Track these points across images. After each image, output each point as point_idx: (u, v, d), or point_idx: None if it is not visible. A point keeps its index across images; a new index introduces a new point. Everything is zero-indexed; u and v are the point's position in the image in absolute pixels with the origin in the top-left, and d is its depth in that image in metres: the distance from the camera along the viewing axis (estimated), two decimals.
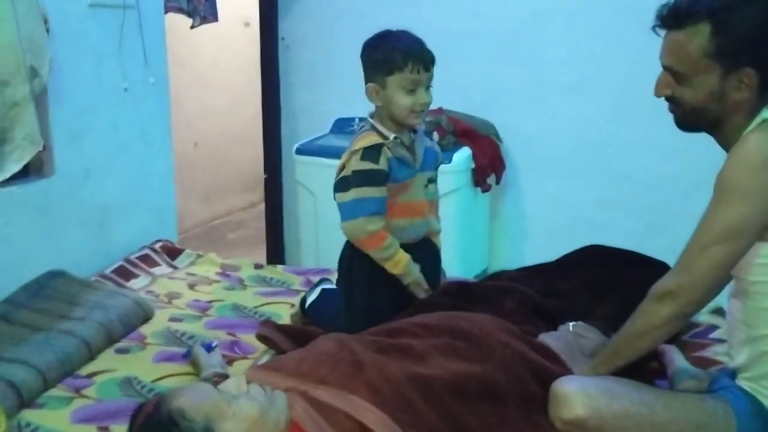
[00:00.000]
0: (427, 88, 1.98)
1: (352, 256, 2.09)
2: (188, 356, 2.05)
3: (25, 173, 2.52)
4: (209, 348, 2.00)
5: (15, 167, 2.42)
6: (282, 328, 2.13)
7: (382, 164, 1.97)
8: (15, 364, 1.92)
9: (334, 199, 2.05)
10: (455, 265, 3.12)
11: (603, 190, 3.44)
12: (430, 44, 2.00)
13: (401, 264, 2.03)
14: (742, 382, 1.59)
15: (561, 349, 1.72)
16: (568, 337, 1.78)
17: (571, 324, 1.85)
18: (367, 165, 1.96)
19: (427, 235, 2.18)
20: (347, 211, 1.99)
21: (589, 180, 3.45)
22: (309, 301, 2.29)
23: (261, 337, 2.15)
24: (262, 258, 4.08)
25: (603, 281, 2.17)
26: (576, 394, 1.48)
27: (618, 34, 3.24)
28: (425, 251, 2.20)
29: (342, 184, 2.00)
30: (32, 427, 1.77)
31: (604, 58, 3.30)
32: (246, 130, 5.26)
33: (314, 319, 2.25)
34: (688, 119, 1.54)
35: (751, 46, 1.40)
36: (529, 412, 1.54)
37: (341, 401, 1.34)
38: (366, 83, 2.00)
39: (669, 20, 1.48)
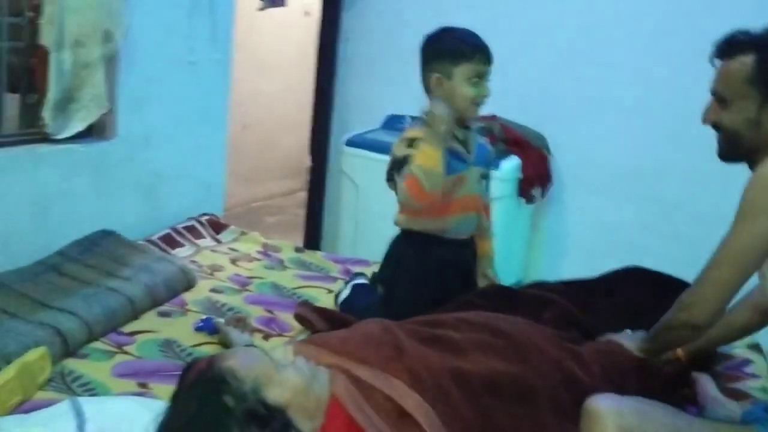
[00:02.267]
0: (487, 81, 2.04)
1: (401, 249, 2.13)
2: (209, 329, 2.11)
3: (88, 133, 2.60)
4: (212, 326, 2.09)
5: (79, 126, 2.52)
6: (319, 310, 2.17)
7: None
8: (64, 314, 1.99)
9: (388, 184, 2.09)
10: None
11: (649, 215, 3.41)
12: (491, 50, 2.03)
13: (432, 157, 1.92)
14: None
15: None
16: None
17: (626, 331, 1.93)
18: (410, 151, 1.97)
19: (475, 234, 2.21)
20: (399, 192, 2.00)
21: (636, 204, 3.44)
22: (342, 297, 2.34)
23: (298, 317, 2.19)
24: (298, 244, 4.12)
25: (643, 303, 2.17)
26: (609, 413, 1.49)
27: (681, 61, 3.22)
28: (471, 250, 2.24)
29: (391, 167, 2.03)
30: (75, 375, 1.83)
31: (664, 83, 3.29)
32: (294, 118, 5.33)
33: (347, 312, 2.28)
34: (728, 147, 1.63)
35: None
36: (560, 420, 1.56)
37: (382, 382, 1.37)
38: (426, 74, 2.03)
39: (722, 50, 1.60)
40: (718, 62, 1.61)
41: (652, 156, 3.36)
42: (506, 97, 3.57)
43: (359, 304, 2.26)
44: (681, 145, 3.26)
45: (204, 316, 2.20)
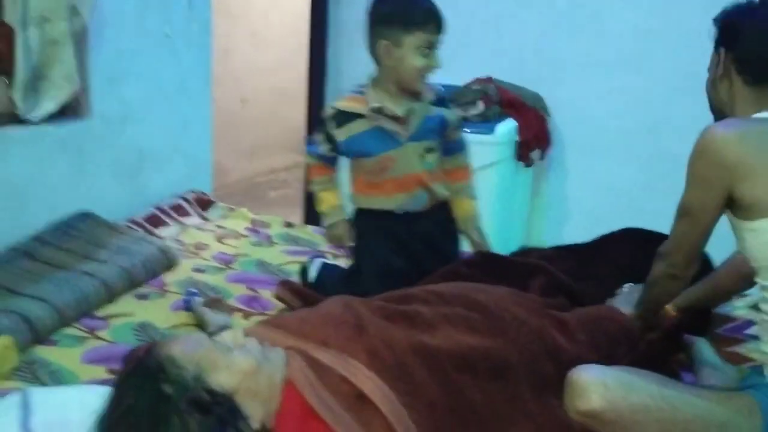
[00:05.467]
0: (437, 50, 1.93)
1: (359, 225, 2.09)
2: (187, 304, 2.05)
3: (61, 113, 2.52)
4: (190, 299, 2.04)
5: (51, 106, 2.44)
6: (299, 292, 2.09)
7: (340, 135, 1.99)
8: (33, 300, 1.93)
9: None
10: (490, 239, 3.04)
11: (652, 174, 3.29)
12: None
13: (321, 206, 2.13)
14: None
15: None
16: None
17: (626, 286, 1.93)
18: (330, 123, 2.01)
19: (439, 201, 2.12)
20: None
21: (639, 163, 3.32)
22: (312, 276, 2.23)
23: (278, 297, 2.12)
24: (299, 218, 4.05)
25: (637, 265, 2.07)
26: (593, 384, 1.42)
27: (680, 11, 3.07)
28: (436, 219, 2.13)
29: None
30: (43, 363, 1.78)
31: (664, 35, 3.14)
32: (294, 89, 5.20)
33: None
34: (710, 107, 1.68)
35: (731, 29, 1.55)
36: (541, 393, 1.48)
37: (340, 364, 1.29)
38: (374, 40, 1.91)
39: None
40: None
41: (652, 113, 3.24)
42: (501, 58, 3.45)
43: (330, 282, 2.17)
44: (682, 101, 3.12)
45: (194, 290, 2.16)
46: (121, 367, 1.26)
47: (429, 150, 2.05)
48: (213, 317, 1.91)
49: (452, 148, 2.14)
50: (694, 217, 1.53)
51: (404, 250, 2.03)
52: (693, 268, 1.61)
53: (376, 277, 1.95)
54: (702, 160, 1.48)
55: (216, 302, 2.04)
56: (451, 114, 2.12)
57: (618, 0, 3.24)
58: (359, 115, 1.96)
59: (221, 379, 1.19)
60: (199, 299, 2.06)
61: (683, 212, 1.56)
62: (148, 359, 1.18)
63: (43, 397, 1.36)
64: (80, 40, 2.48)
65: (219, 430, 1.14)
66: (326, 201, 2.12)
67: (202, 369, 1.18)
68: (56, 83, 2.42)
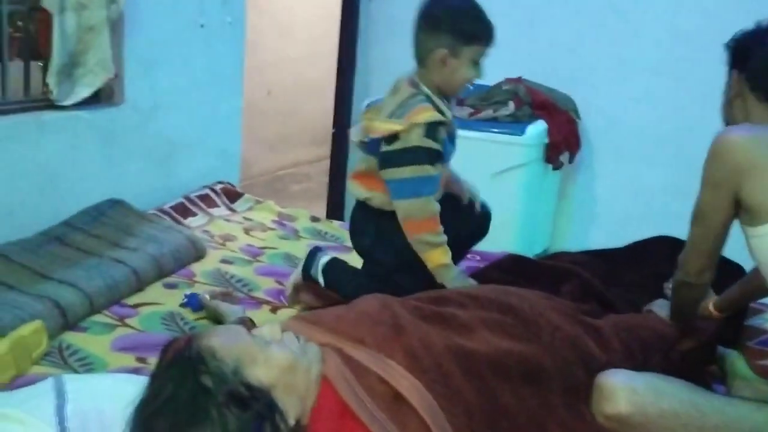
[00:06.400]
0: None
1: (386, 227, 1.96)
2: (192, 305, 2.01)
3: (95, 100, 2.53)
4: (195, 302, 2.01)
5: (85, 92, 2.45)
6: (313, 289, 2.07)
7: (440, 144, 1.90)
8: (64, 286, 1.94)
9: (382, 169, 1.92)
10: (515, 241, 3.02)
11: (681, 180, 3.23)
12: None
13: (449, 254, 1.90)
14: None
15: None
16: None
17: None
18: (430, 143, 1.87)
19: None
20: (407, 189, 1.88)
21: (669, 169, 3.28)
22: (321, 281, 2.08)
23: (299, 301, 2.11)
24: (321, 212, 4.04)
25: (671, 274, 2.05)
26: (621, 389, 1.41)
27: (716, 15, 3.03)
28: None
29: (400, 158, 1.87)
30: (73, 349, 1.78)
31: (696, 40, 3.11)
32: (319, 83, 5.20)
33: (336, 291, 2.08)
34: None
35: (742, 52, 1.62)
36: (572, 400, 1.46)
37: (376, 364, 1.28)
38: (431, 45, 1.87)
39: None
40: None
41: (682, 118, 3.21)
42: (533, 59, 3.43)
43: (343, 281, 2.06)
44: (712, 107, 3.05)
45: (188, 292, 2.09)
46: (159, 357, 1.25)
47: None
48: (229, 308, 1.90)
49: None
50: (707, 221, 1.53)
51: None
52: (707, 276, 1.60)
53: (408, 273, 1.93)
54: (714, 164, 1.50)
55: (225, 294, 2.03)
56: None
57: (651, 4, 3.20)
58: (441, 123, 1.89)
59: (259, 374, 1.18)
60: (205, 294, 2.03)
61: (696, 217, 1.56)
62: (188, 350, 1.17)
63: (76, 384, 1.36)
64: (116, 28, 2.49)
65: (256, 425, 1.13)
66: (449, 250, 1.92)
67: (241, 362, 1.17)
68: (91, 69, 2.43)
